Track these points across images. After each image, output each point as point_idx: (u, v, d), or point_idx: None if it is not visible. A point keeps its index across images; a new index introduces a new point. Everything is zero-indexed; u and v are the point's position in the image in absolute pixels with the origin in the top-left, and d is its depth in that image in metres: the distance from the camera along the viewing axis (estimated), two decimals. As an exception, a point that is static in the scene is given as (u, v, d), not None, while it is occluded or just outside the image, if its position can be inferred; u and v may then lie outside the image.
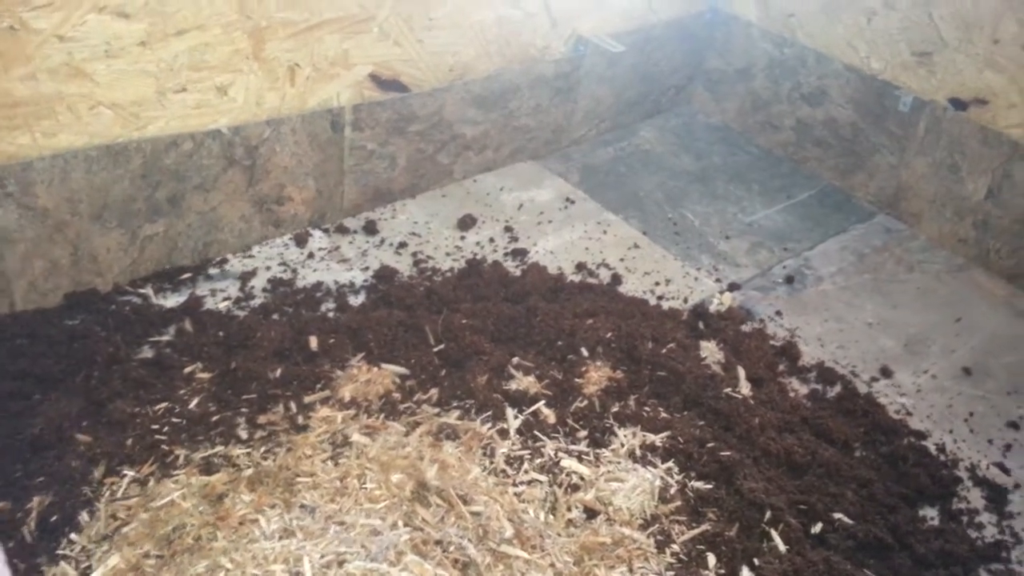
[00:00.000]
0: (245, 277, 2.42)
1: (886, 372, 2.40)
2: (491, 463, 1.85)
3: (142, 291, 2.31)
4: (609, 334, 2.19)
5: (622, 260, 2.69)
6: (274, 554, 1.40)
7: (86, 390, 1.98)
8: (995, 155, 2.78)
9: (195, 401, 1.97)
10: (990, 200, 2.83)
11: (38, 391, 1.95)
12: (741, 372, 2.19)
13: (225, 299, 2.34)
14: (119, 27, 1.98)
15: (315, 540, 1.45)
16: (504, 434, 1.93)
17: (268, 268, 2.48)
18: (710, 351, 2.24)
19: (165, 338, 2.16)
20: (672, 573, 1.70)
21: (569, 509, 1.78)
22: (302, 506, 1.57)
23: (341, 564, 1.39)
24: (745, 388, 2.15)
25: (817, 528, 1.87)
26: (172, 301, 2.30)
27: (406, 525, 1.58)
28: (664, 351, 2.18)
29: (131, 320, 2.20)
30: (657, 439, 1.97)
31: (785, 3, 3.23)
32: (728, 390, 2.12)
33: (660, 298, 2.55)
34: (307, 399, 1.99)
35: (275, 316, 2.30)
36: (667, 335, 2.26)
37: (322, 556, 1.40)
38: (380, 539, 1.48)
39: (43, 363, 2.01)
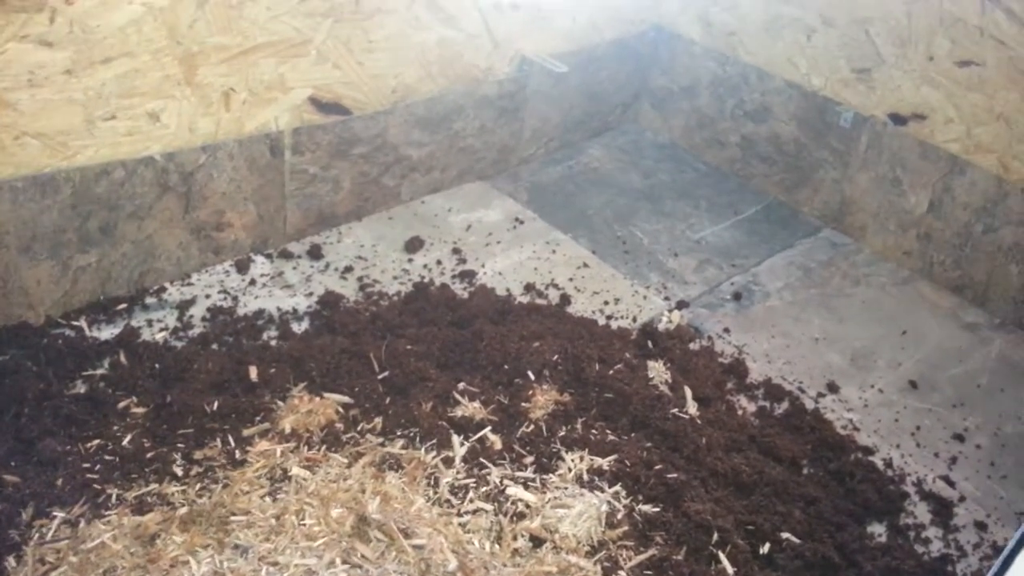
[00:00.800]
0: (183, 306, 2.36)
1: (833, 387, 2.41)
2: (435, 493, 1.81)
3: (75, 323, 2.23)
4: (556, 356, 2.17)
5: (571, 280, 2.68)
6: (202, 600, 1.35)
7: (15, 428, 1.90)
8: (934, 169, 2.83)
9: (129, 437, 1.90)
10: (932, 213, 2.88)
11: (-39, 431, 1.87)
12: (688, 392, 2.19)
13: (162, 330, 2.27)
14: (42, 56, 1.91)
15: (246, 583, 1.40)
16: (449, 462, 1.90)
17: (208, 296, 2.42)
18: (658, 371, 2.23)
19: (99, 372, 2.09)
20: (620, 601, 1.68)
21: (515, 538, 1.75)
22: (235, 546, 1.52)
23: (272, 608, 1.34)
24: (692, 408, 2.15)
25: (765, 548, 1.86)
26: (107, 333, 2.23)
27: (344, 563, 1.54)
28: (611, 372, 2.16)
29: (64, 354, 2.12)
30: (604, 462, 1.95)
31: (726, 21, 3.26)
32: (675, 410, 2.11)
33: (609, 317, 2.54)
34: (246, 432, 1.94)
35: (214, 346, 2.23)
36: (615, 356, 2.25)
37: (252, 600, 1.35)
38: (315, 579, 1.44)
39: (-33, 402, 1.93)
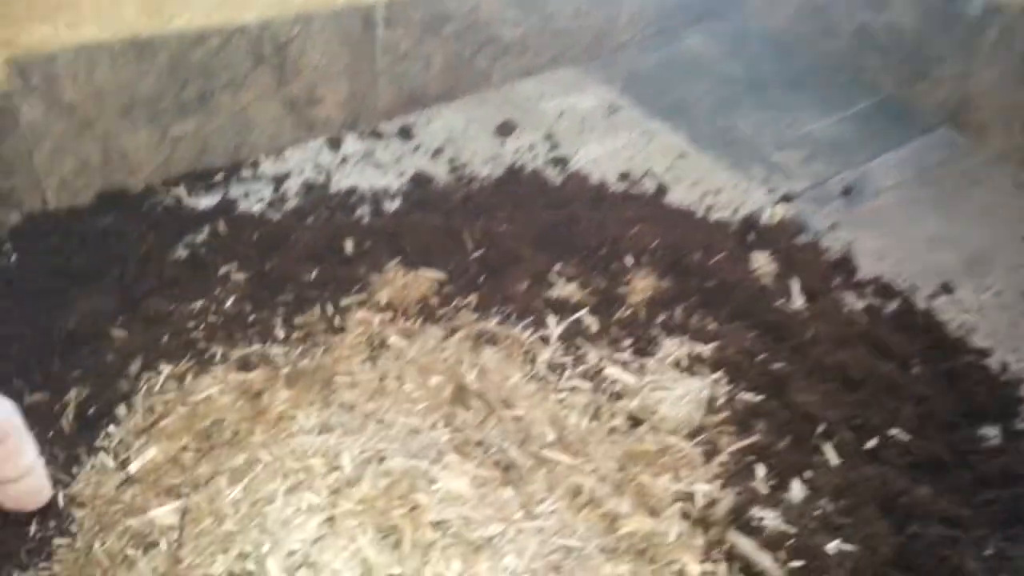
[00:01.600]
0: (278, 180, 2.35)
1: (947, 288, 2.27)
2: (532, 369, 1.79)
3: (174, 191, 2.25)
4: (655, 242, 2.09)
5: (668, 170, 2.57)
6: (313, 448, 1.36)
7: (120, 287, 1.94)
8: (1075, 61, 2.58)
9: (231, 301, 1.92)
10: (1065, 111, 2.64)
11: (72, 287, 1.91)
12: (795, 284, 2.09)
13: (259, 201, 2.27)
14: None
15: (354, 436, 1.40)
16: (545, 341, 1.86)
17: (302, 171, 2.40)
18: (762, 263, 2.13)
19: (199, 239, 2.11)
20: (720, 482, 1.64)
21: (612, 417, 1.72)
22: (340, 404, 1.53)
23: (381, 460, 1.34)
24: (798, 301, 2.05)
25: (872, 443, 1.79)
26: (205, 202, 2.24)
27: (446, 426, 1.53)
28: (713, 261, 2.08)
29: (164, 220, 2.14)
30: (705, 350, 1.89)
31: None
32: (780, 302, 2.02)
33: (708, 209, 2.43)
34: (343, 301, 1.93)
35: (309, 219, 2.22)
36: (716, 246, 2.16)
37: (361, 452, 1.36)
38: (420, 438, 1.43)
39: (77, 260, 1.97)
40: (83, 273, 1.94)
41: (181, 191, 2.25)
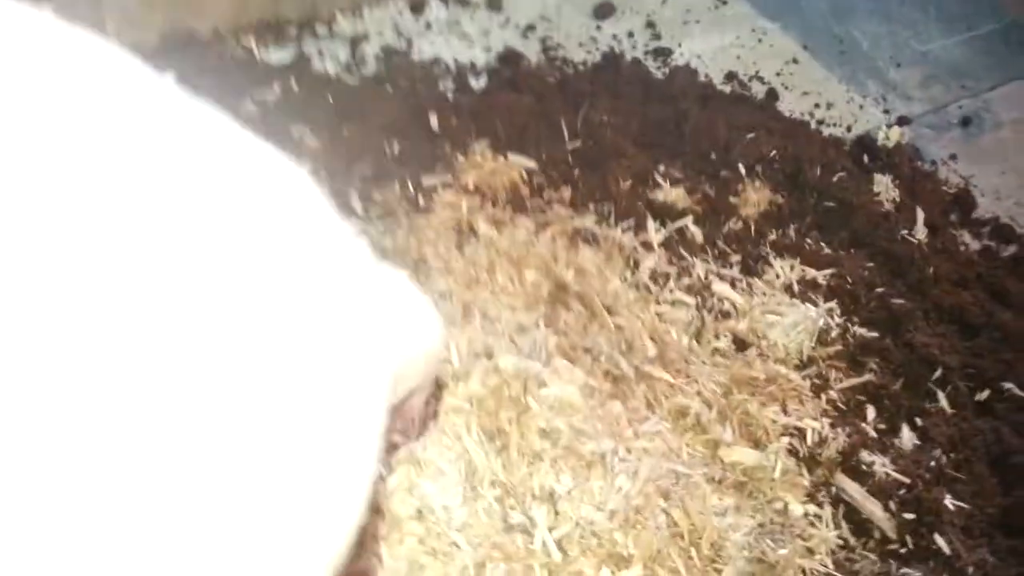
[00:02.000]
0: (356, 41, 2.14)
1: (1071, 237, 2.09)
2: (633, 276, 1.63)
3: (244, 41, 2.05)
4: (773, 152, 1.90)
5: (778, 75, 2.34)
6: (413, 337, 1.22)
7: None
8: None
9: (304, 168, 1.75)
10: None
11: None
12: (920, 214, 1.91)
13: (334, 62, 2.07)
14: None
15: (459, 328, 1.26)
16: (648, 247, 1.70)
17: (380, 34, 2.18)
18: (884, 187, 1.95)
19: (270, 96, 1.93)
20: (828, 421, 1.51)
21: (717, 337, 1.58)
22: (437, 292, 1.38)
23: (489, 356, 1.21)
24: (921, 233, 1.88)
25: (983, 395, 1.66)
26: (277, 57, 2.04)
27: (547, 326, 1.39)
28: (834, 179, 1.89)
29: (233, 71, 1.95)
30: (819, 275, 1.73)
31: None
32: (904, 232, 1.85)
33: (820, 123, 2.22)
34: (426, 181, 1.77)
35: (388, 88, 2.03)
36: (834, 163, 1.96)
37: (470, 344, 1.22)
38: (528, 336, 1.30)
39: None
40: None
41: (251, 42, 2.05)
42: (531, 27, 2.31)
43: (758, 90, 2.26)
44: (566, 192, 1.80)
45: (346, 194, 1.72)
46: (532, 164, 1.86)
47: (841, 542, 1.37)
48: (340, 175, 1.76)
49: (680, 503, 1.18)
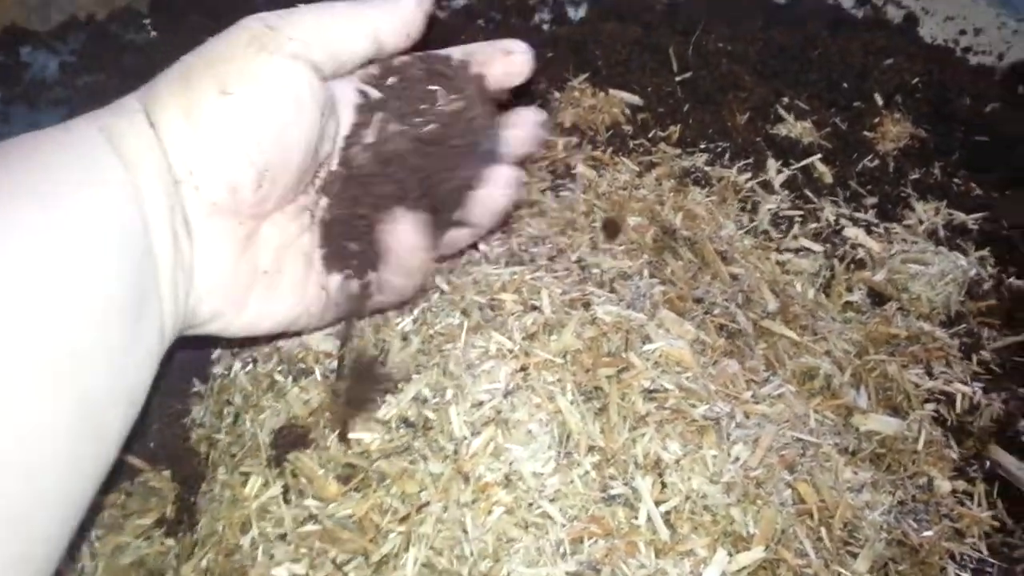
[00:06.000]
0: (446, -28, 2.01)
1: None
2: (751, 221, 1.46)
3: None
4: (916, 79, 1.66)
5: (918, -2, 2.07)
6: (501, 282, 1.10)
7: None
8: None
9: (391, 106, 1.64)
10: None
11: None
12: (1091, 150, 1.64)
13: (423, -5, 1.95)
14: None
15: (553, 274, 1.13)
16: (767, 188, 1.52)
17: (472, -35, 2.05)
18: (1048, 117, 1.68)
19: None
20: (980, 385, 1.31)
21: (850, 290, 1.39)
22: (528, 236, 1.25)
23: (587, 306, 1.07)
24: (1092, 171, 1.61)
25: None
26: (363, -9, 1.94)
27: (652, 276, 1.24)
28: (987, 110, 1.64)
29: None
30: (969, 220, 1.50)
31: None
32: (1070, 171, 1.59)
33: (966, 51, 1.94)
34: (521, 119, 1.63)
35: (479, 22, 1.90)
36: (985, 94, 1.71)
37: (563, 293, 1.09)
38: (631, 285, 1.15)
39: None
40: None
41: (338, -24, 1.95)
42: (635, -48, 2.12)
43: (894, 15, 2.00)
44: (674, 129, 1.63)
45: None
46: (636, 99, 1.69)
47: (996, 524, 1.18)
48: (428, 114, 1.64)
49: (808, 477, 1.03)
